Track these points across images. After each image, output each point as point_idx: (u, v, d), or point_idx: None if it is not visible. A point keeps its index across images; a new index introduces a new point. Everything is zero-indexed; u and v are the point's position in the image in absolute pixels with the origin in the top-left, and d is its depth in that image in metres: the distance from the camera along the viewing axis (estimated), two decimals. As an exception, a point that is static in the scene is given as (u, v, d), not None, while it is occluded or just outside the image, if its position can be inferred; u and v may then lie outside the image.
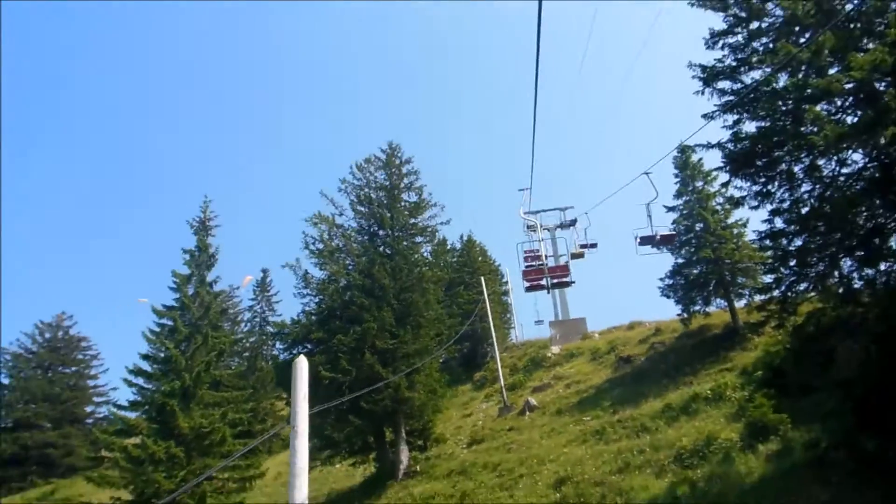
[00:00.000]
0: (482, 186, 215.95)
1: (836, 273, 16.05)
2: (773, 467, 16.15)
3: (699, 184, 29.61)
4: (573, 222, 43.26)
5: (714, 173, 29.18)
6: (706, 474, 16.89)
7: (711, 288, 28.51)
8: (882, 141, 14.39)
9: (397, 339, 28.81)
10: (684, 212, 29.40)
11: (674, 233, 29.84)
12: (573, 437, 23.88)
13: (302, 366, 9.37)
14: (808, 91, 13.65)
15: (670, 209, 29.83)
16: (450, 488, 23.57)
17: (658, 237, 29.92)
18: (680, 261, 29.41)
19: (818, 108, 14.49)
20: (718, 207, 29.08)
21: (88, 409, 56.39)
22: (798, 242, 16.11)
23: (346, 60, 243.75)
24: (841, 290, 15.87)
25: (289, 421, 9.14)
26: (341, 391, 26.97)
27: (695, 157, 29.80)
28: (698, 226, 28.73)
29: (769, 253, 16.90)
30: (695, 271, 28.77)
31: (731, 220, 28.75)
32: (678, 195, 29.82)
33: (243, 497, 29.84)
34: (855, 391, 14.79)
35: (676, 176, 30.19)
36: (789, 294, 16.37)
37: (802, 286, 16.23)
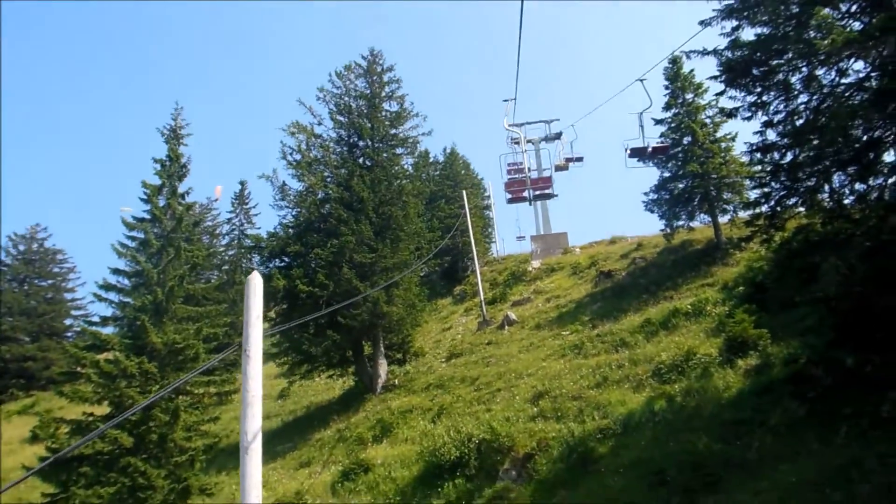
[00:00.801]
0: (467, 99, 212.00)
1: (827, 188, 15.52)
2: (751, 382, 16.03)
3: (689, 96, 28.72)
4: (558, 135, 42.43)
5: (706, 84, 28.42)
6: (684, 389, 16.77)
7: (696, 203, 28.03)
8: (886, 51, 13.63)
9: (376, 252, 28.33)
10: (673, 125, 28.58)
11: (666, 144, 28.63)
12: (552, 351, 23.80)
13: (255, 283, 8.26)
14: (817, -9, 12.65)
15: (658, 122, 29.00)
16: (427, 401, 23.62)
17: (650, 149, 28.57)
18: (666, 174, 28.82)
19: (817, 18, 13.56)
20: (708, 121, 28.33)
21: (67, 322, 56.17)
22: (790, 156, 15.46)
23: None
24: (831, 205, 15.40)
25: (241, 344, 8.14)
26: (318, 306, 26.66)
27: (686, 69, 28.83)
28: (686, 139, 28.02)
29: (759, 167, 16.22)
30: (680, 185, 28.23)
31: (719, 134, 28.05)
32: (667, 107, 28.90)
33: (220, 411, 30.01)
34: (838, 307, 14.52)
35: (667, 88, 29.17)
36: (777, 209, 15.85)
37: (792, 201, 15.67)
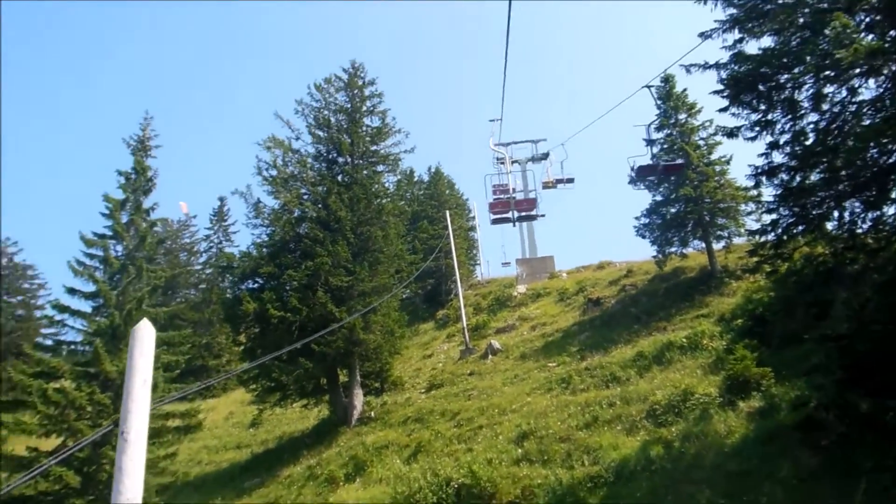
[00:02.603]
0: (454, 117, 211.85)
1: (837, 215, 14.27)
2: (755, 427, 14.68)
3: (682, 116, 27.53)
4: (545, 155, 41.18)
5: (699, 104, 27.26)
6: (682, 433, 15.38)
7: (689, 228, 26.69)
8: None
9: (353, 275, 26.78)
10: (665, 146, 27.32)
11: (681, 162, 25.36)
12: (537, 384, 22.30)
13: (142, 335, 5.72)
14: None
15: (650, 142, 27.74)
16: (405, 437, 22.02)
17: (661, 167, 24.38)
18: (658, 198, 27.53)
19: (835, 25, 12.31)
20: (701, 143, 27.15)
21: (38, 340, 53.95)
22: (798, 180, 14.22)
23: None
24: (841, 234, 14.15)
25: (117, 424, 5.63)
26: (291, 331, 25.10)
27: (680, 86, 27.72)
28: (679, 161, 26.75)
29: (770, 190, 14.92)
30: (673, 210, 26.92)
31: (714, 157, 26.88)
32: (660, 127, 27.62)
33: (188, 440, 28.19)
34: (853, 346, 13.19)
35: (659, 107, 27.98)
36: (784, 237, 14.57)
37: (800, 228, 14.40)
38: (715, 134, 26.48)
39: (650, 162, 24.11)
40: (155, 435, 21.17)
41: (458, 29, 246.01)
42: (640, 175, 24.33)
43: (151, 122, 26.97)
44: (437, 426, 21.76)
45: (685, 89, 27.93)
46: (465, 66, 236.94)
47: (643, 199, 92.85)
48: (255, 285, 28.24)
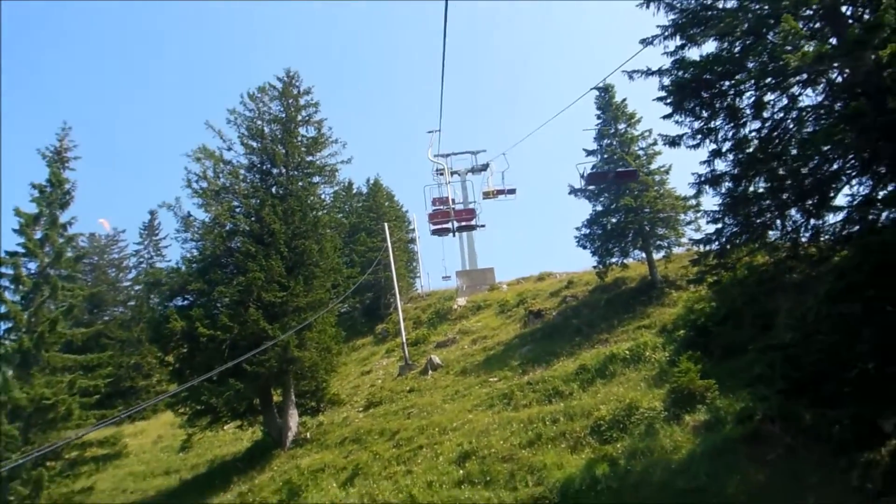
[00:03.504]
0: (393, 127, 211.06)
1: (780, 224, 14.10)
2: (701, 442, 14.30)
3: (622, 126, 27.43)
4: (485, 166, 40.92)
5: (638, 115, 27.20)
6: (627, 449, 14.90)
7: (630, 238, 26.59)
8: (840, 77, 12.41)
9: (287, 291, 25.65)
10: (605, 156, 27.16)
11: (633, 169, 24.06)
12: (479, 401, 21.62)
13: None
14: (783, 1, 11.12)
15: (590, 153, 27.59)
16: (341, 459, 21.02)
17: (612, 174, 22.59)
18: (599, 208, 27.32)
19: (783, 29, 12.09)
20: (641, 152, 27.08)
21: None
22: (742, 188, 14.00)
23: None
24: (786, 243, 13.98)
25: None
26: (221, 350, 23.81)
27: (618, 97, 27.63)
28: (631, 168, 26.61)
29: (712, 199, 14.68)
30: (613, 220, 26.77)
31: (653, 166, 26.84)
32: (600, 137, 27.48)
33: (111, 466, 26.54)
34: (800, 357, 12.93)
35: (598, 117, 27.86)
36: (728, 247, 14.33)
37: (743, 238, 14.18)
38: (654, 143, 26.58)
39: (600, 170, 23.09)
40: (69, 467, 19.65)
41: (395, 36, 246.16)
42: (591, 182, 23.22)
43: (70, 132, 25.54)
44: (375, 447, 20.84)
45: (625, 99, 27.94)
46: (404, 75, 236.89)
47: (583, 209, 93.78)
48: (185, 302, 26.80)
